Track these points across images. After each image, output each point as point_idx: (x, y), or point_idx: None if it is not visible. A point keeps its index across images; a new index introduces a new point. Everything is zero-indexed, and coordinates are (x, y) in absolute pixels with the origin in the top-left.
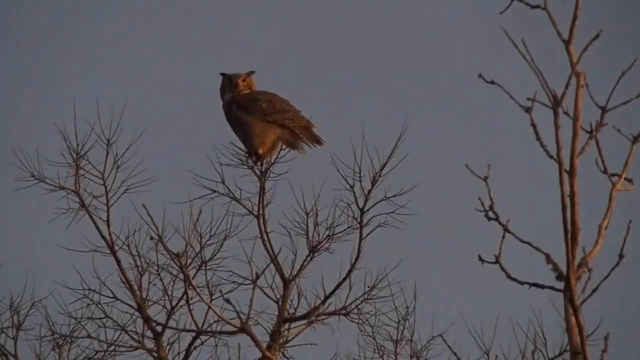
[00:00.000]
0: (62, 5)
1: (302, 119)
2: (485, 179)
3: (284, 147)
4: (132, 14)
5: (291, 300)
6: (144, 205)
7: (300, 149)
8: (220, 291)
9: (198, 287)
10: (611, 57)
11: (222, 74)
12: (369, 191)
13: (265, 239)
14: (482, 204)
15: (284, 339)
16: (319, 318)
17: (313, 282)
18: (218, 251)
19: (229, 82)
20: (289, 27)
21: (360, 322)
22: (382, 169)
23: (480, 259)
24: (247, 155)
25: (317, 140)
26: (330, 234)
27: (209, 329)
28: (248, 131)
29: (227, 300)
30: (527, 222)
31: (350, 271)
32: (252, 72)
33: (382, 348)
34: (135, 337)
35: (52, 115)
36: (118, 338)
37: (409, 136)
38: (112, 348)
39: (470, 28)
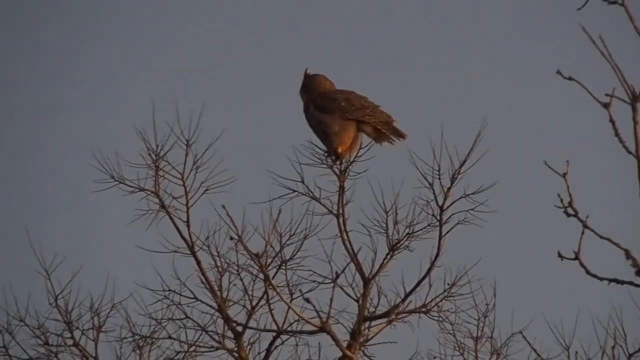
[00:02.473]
0: (145, 5)
1: (382, 114)
2: (564, 175)
3: (363, 144)
4: (207, 15)
5: (371, 299)
6: (223, 206)
7: (384, 143)
8: (301, 290)
9: (278, 286)
10: None
11: (305, 74)
12: (448, 189)
13: (345, 237)
14: (562, 200)
15: (364, 337)
16: (399, 316)
17: (393, 280)
18: (298, 251)
19: (309, 85)
20: (365, 24)
21: (441, 319)
22: (461, 166)
23: (560, 255)
24: (326, 154)
25: (400, 134)
26: (410, 232)
27: (289, 329)
28: (327, 130)
29: (307, 300)
30: (607, 218)
31: (430, 269)
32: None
33: (463, 345)
34: (216, 337)
35: (131, 116)
36: (199, 339)
37: (488, 133)
38: (192, 348)
39: (549, 25)
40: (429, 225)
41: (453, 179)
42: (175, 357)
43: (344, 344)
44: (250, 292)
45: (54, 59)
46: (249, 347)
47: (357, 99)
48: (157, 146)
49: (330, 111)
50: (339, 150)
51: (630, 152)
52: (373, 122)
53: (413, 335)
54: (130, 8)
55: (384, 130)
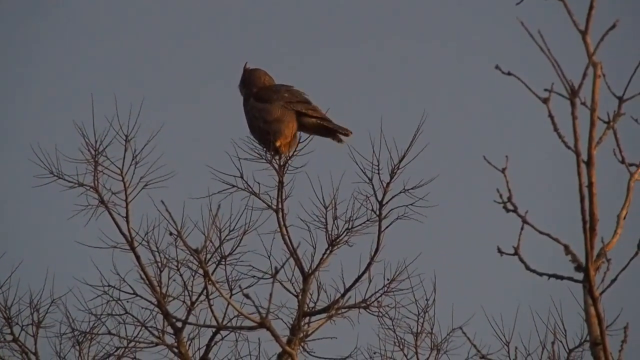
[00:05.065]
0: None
1: (321, 112)
2: (503, 170)
3: (302, 138)
4: (150, 8)
5: (311, 294)
6: (162, 201)
7: (334, 139)
8: (240, 286)
9: (218, 282)
10: (628, 47)
11: (245, 69)
12: (388, 184)
13: (285, 233)
14: (501, 195)
15: (304, 333)
16: (339, 311)
17: (332, 275)
18: (237, 246)
19: (248, 79)
20: (303, 20)
21: (380, 315)
22: (400, 161)
23: (499, 250)
24: (265, 148)
25: (343, 129)
26: (349, 227)
27: (229, 324)
28: (267, 118)
29: (247, 295)
30: (546, 213)
31: (369, 264)
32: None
33: (402, 341)
34: (156, 333)
35: (70, 111)
36: (138, 334)
37: (427, 128)
38: (132, 344)
39: (487, 19)
40: (368, 220)
41: (392, 174)
42: (115, 353)
43: (284, 340)
44: (189, 288)
45: None
46: (188, 342)
47: (298, 93)
48: (96, 141)
49: (273, 100)
50: (278, 143)
51: (569, 147)
52: (314, 115)
53: (353, 331)
54: (70, 1)
55: (324, 124)
